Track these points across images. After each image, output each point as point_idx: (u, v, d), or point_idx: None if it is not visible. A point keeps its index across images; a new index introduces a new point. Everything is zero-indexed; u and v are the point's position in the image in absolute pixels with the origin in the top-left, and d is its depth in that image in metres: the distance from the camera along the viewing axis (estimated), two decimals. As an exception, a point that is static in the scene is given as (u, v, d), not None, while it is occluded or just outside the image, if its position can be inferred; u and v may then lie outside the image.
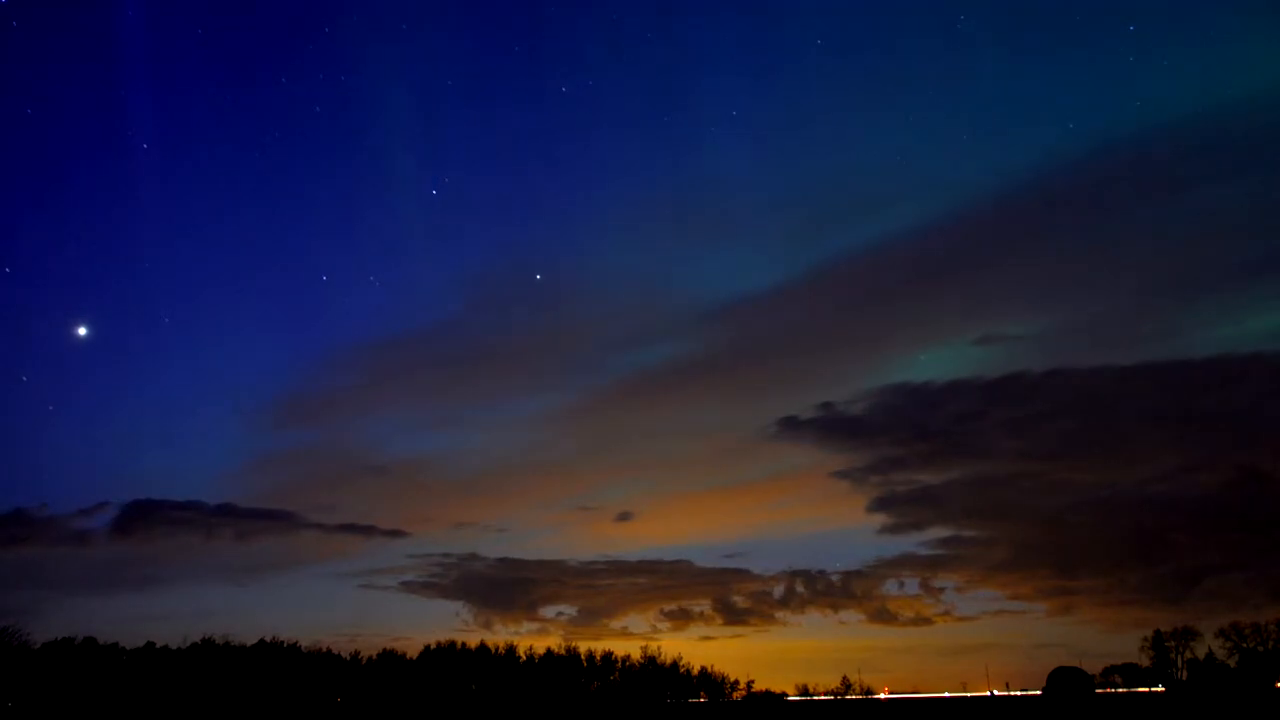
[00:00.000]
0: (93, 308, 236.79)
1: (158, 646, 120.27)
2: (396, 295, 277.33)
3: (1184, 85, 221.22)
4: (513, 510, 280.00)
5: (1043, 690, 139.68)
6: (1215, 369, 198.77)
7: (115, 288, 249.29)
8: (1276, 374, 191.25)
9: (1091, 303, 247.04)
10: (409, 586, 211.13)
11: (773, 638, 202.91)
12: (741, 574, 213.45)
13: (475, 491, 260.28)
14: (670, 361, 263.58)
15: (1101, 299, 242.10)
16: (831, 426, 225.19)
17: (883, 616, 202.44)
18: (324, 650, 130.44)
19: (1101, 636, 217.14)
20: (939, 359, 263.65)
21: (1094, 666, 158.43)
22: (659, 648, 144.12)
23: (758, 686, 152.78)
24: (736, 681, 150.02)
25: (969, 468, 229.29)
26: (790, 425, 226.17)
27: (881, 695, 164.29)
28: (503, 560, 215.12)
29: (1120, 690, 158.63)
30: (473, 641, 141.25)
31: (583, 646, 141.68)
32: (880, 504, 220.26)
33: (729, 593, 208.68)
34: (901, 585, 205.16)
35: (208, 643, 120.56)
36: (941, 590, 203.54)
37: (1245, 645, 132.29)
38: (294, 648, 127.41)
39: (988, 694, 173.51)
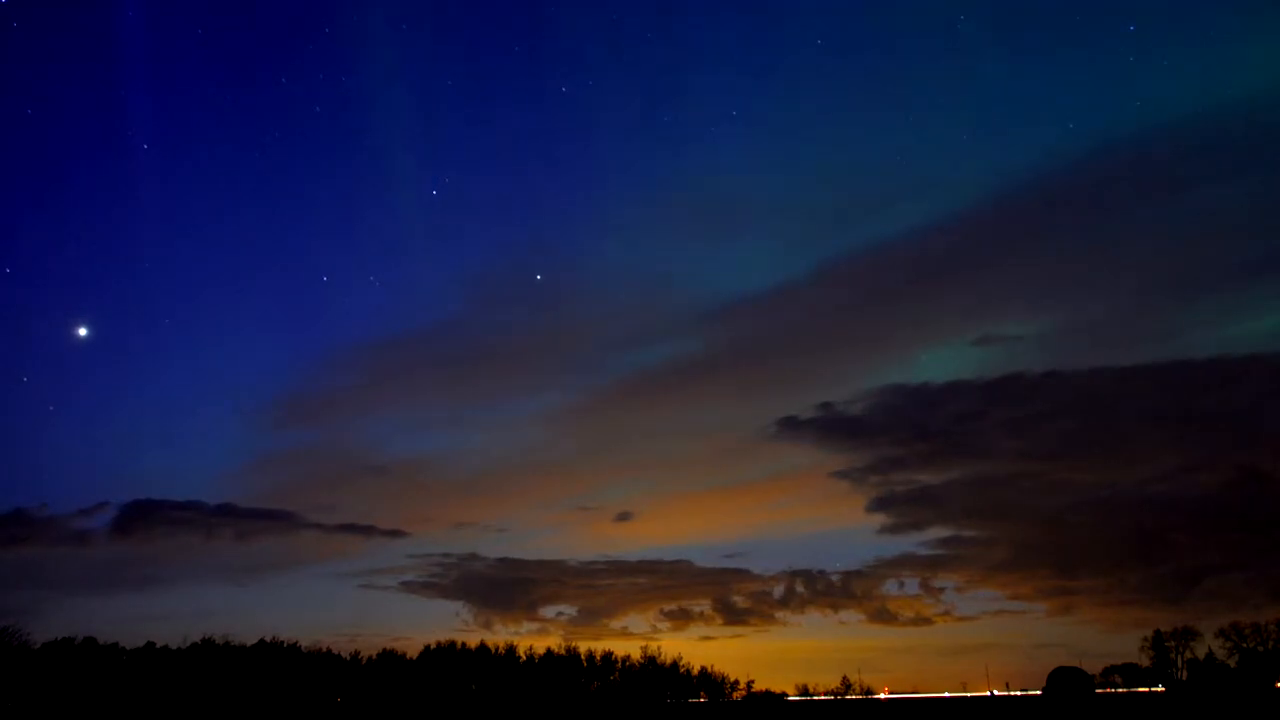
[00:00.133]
0: (93, 308, 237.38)
1: (158, 646, 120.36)
2: (396, 295, 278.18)
3: (1184, 85, 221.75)
4: (513, 510, 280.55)
5: (1043, 690, 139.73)
6: (1215, 369, 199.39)
7: (115, 288, 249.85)
8: (1276, 374, 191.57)
9: (1091, 303, 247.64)
10: (409, 586, 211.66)
11: (773, 638, 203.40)
12: (741, 574, 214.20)
13: (475, 491, 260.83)
14: (670, 361, 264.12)
15: (1101, 299, 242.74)
16: (831, 426, 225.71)
17: (883, 616, 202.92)
18: (324, 650, 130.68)
19: (1101, 636, 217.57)
20: (939, 359, 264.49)
21: (1094, 666, 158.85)
22: (659, 648, 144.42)
23: (758, 686, 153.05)
24: (736, 681, 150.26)
25: (969, 468, 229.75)
26: (790, 425, 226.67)
27: (881, 695, 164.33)
28: (503, 560, 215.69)
29: (1120, 690, 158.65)
30: (473, 641, 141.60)
31: (583, 646, 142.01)
32: (880, 504, 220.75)
33: (729, 593, 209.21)
34: (901, 585, 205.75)
35: (208, 643, 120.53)
36: (941, 590, 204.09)
37: (1245, 645, 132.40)
38: (294, 648, 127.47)
39: (988, 694, 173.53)
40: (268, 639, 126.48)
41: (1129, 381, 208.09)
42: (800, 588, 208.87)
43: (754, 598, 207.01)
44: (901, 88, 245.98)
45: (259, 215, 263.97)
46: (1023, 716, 71.75)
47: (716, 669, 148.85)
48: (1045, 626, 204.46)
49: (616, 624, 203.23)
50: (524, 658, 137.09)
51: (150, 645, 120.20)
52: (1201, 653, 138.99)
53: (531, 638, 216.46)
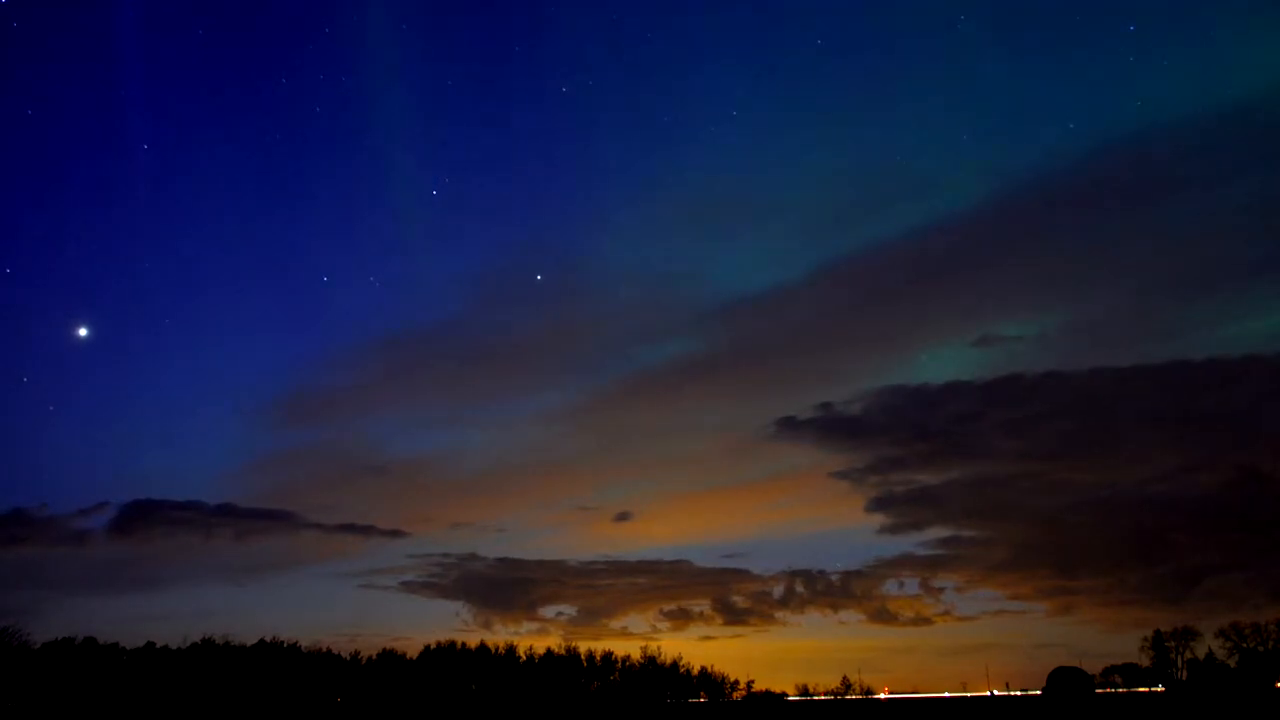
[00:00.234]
0: (93, 308, 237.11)
1: (158, 646, 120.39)
2: (397, 295, 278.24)
3: (1184, 85, 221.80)
4: (512, 510, 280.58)
5: (1043, 690, 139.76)
6: (1214, 369, 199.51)
7: (115, 288, 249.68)
8: (1275, 374, 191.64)
9: (1091, 303, 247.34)
10: (409, 586, 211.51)
11: (773, 638, 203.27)
12: (741, 574, 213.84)
13: (475, 491, 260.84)
14: (670, 361, 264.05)
15: (1101, 299, 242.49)
16: (830, 426, 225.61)
17: (883, 616, 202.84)
18: (324, 650, 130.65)
19: (1101, 636, 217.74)
20: (938, 359, 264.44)
21: (1094, 666, 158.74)
22: (659, 648, 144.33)
23: (758, 686, 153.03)
24: (736, 681, 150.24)
25: (968, 468, 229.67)
26: (789, 425, 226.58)
27: (881, 695, 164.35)
28: (502, 560, 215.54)
29: (1120, 690, 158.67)
30: (473, 641, 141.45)
31: (583, 646, 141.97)
32: (879, 504, 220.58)
33: (729, 593, 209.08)
34: (901, 585, 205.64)
35: (208, 643, 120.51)
36: (941, 590, 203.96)
37: (1245, 645, 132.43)
38: (294, 648, 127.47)
39: (988, 694, 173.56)
40: (268, 639, 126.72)
41: (1128, 382, 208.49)
42: (800, 588, 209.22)
43: (754, 598, 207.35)
44: (901, 88, 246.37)
45: (259, 215, 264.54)
46: (1023, 716, 71.77)
47: (716, 669, 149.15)
48: (1045, 626, 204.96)
49: (616, 624, 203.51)
50: (524, 658, 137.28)
51: (150, 645, 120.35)
52: (1201, 653, 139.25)
53: (531, 638, 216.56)
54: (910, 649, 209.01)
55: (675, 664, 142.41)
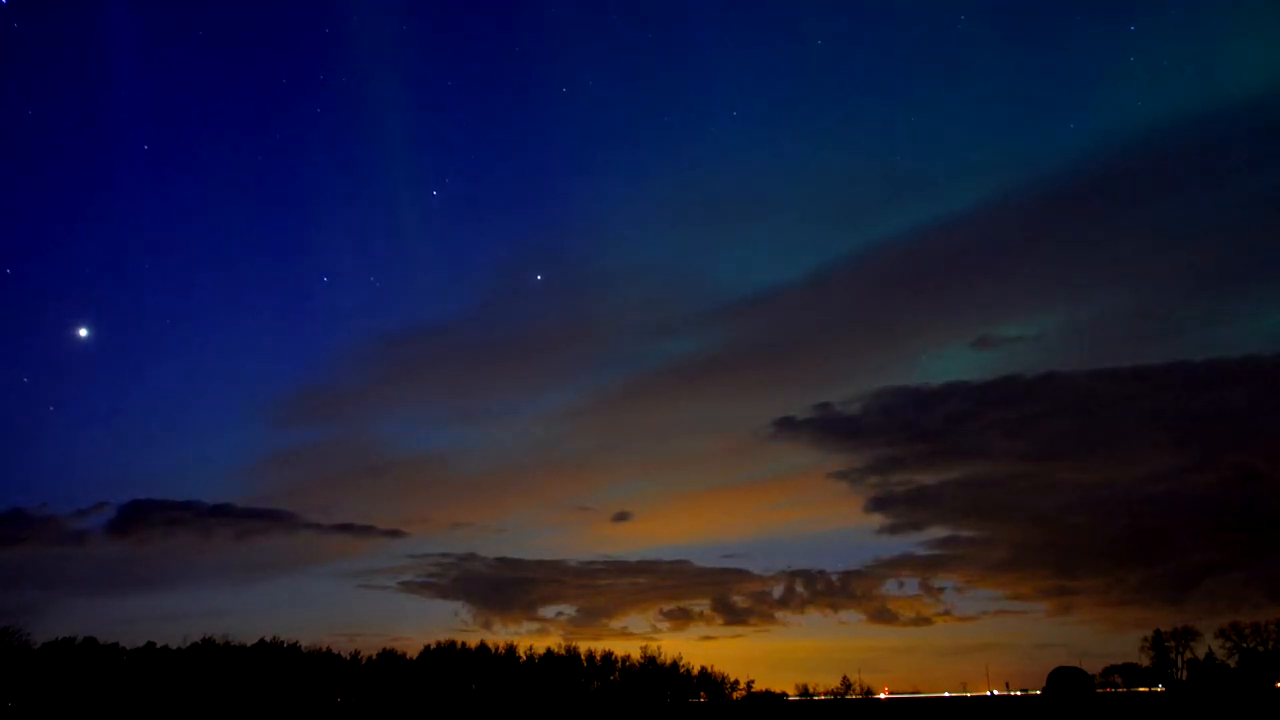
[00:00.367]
0: (93, 308, 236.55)
1: (158, 646, 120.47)
2: (397, 296, 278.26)
3: (1184, 85, 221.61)
4: (512, 510, 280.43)
5: (1043, 690, 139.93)
6: (1213, 370, 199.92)
7: (115, 288, 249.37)
8: (1273, 375, 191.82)
9: (1090, 304, 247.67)
10: (408, 586, 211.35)
11: (773, 638, 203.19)
12: (741, 574, 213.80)
13: (475, 491, 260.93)
14: (669, 362, 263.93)
15: (1100, 300, 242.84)
16: (829, 427, 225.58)
17: (883, 616, 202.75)
18: (324, 650, 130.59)
19: (1101, 636, 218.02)
20: (937, 360, 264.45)
21: (1094, 666, 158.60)
22: (659, 648, 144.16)
23: (758, 686, 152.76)
24: (736, 681, 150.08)
25: (967, 468, 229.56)
26: (788, 425, 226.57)
27: (881, 695, 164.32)
28: (502, 560, 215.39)
29: (1120, 690, 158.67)
30: (473, 641, 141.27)
31: (583, 646, 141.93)
32: (878, 504, 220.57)
33: (729, 593, 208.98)
34: (901, 585, 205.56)
35: (208, 643, 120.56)
36: (941, 590, 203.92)
37: (1245, 645, 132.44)
38: (294, 648, 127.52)
39: (988, 694, 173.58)
40: (268, 639, 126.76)
41: (1127, 383, 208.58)
42: (800, 588, 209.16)
43: (754, 598, 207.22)
44: (901, 88, 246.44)
45: (259, 216, 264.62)
46: (1023, 716, 71.80)
47: (716, 669, 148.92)
48: (1045, 626, 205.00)
49: (616, 624, 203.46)
50: (524, 658, 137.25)
51: (150, 645, 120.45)
52: (1201, 653, 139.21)
53: (531, 638, 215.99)
54: (910, 649, 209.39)
55: (675, 664, 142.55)
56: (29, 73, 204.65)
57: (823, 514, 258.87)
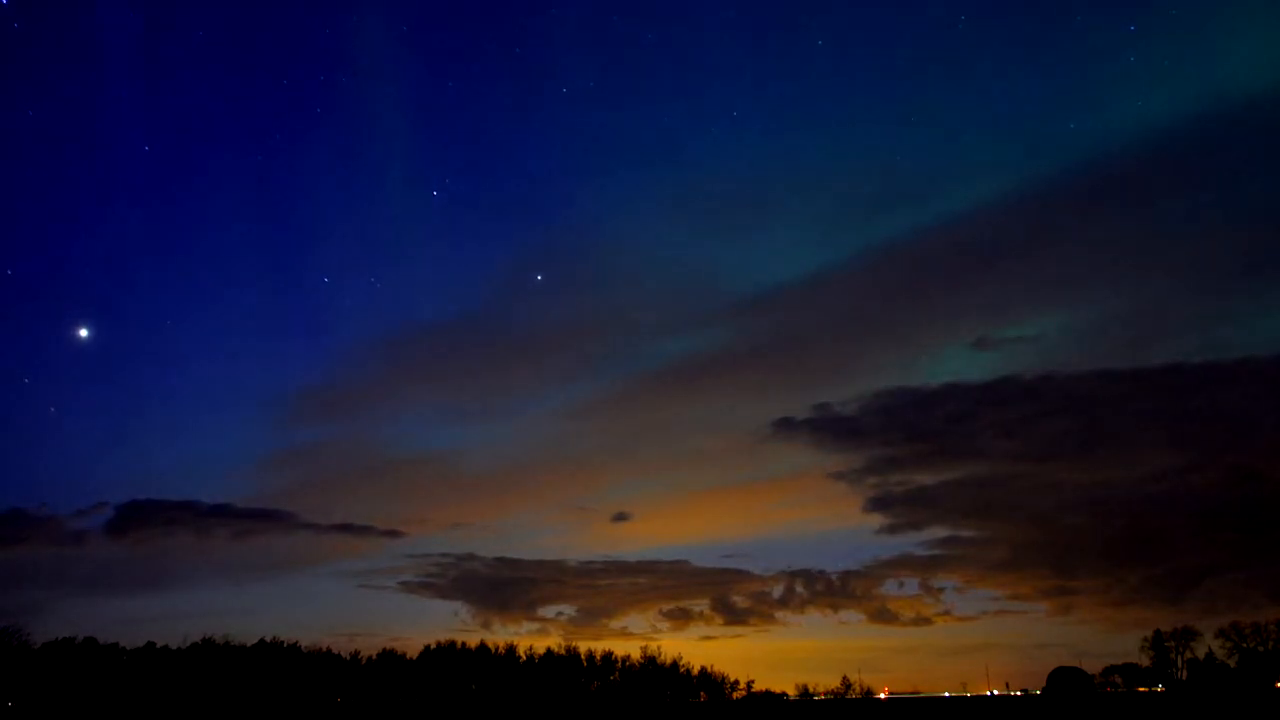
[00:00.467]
0: (93, 308, 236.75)
1: (158, 646, 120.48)
2: (397, 297, 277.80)
3: (1184, 85, 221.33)
4: (512, 510, 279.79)
5: (1042, 690, 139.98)
6: (1211, 372, 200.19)
7: (115, 288, 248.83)
8: (1271, 376, 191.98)
9: (1089, 305, 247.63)
10: (408, 586, 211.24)
11: (773, 638, 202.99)
12: (741, 574, 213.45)
13: (474, 491, 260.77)
14: (669, 362, 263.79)
15: (1099, 301, 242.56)
16: (827, 427, 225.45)
17: (883, 616, 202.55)
18: (324, 650, 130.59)
19: (1101, 636, 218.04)
20: (936, 361, 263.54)
21: (1094, 666, 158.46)
22: (659, 648, 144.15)
23: (758, 686, 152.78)
24: (736, 681, 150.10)
25: (967, 468, 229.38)
26: (786, 426, 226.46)
27: (882, 695, 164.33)
28: (501, 560, 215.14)
29: (1120, 689, 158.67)
30: (472, 641, 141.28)
31: (583, 646, 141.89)
32: (877, 504, 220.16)
33: (729, 593, 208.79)
34: (901, 585, 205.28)
35: (208, 643, 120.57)
36: (941, 590, 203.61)
37: (1245, 645, 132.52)
38: (294, 648, 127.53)
39: (988, 694, 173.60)
40: (267, 639, 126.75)
41: (1125, 383, 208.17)
42: (800, 588, 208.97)
43: (754, 598, 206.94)
44: (901, 88, 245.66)
45: (259, 216, 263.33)
46: (1023, 716, 71.83)
47: (716, 669, 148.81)
48: (1045, 626, 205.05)
49: (616, 624, 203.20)
50: (524, 658, 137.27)
51: (150, 645, 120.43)
52: (1201, 653, 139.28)
53: (531, 638, 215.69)
54: (910, 649, 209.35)
55: (675, 664, 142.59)
56: (29, 73, 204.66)
57: (822, 514, 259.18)
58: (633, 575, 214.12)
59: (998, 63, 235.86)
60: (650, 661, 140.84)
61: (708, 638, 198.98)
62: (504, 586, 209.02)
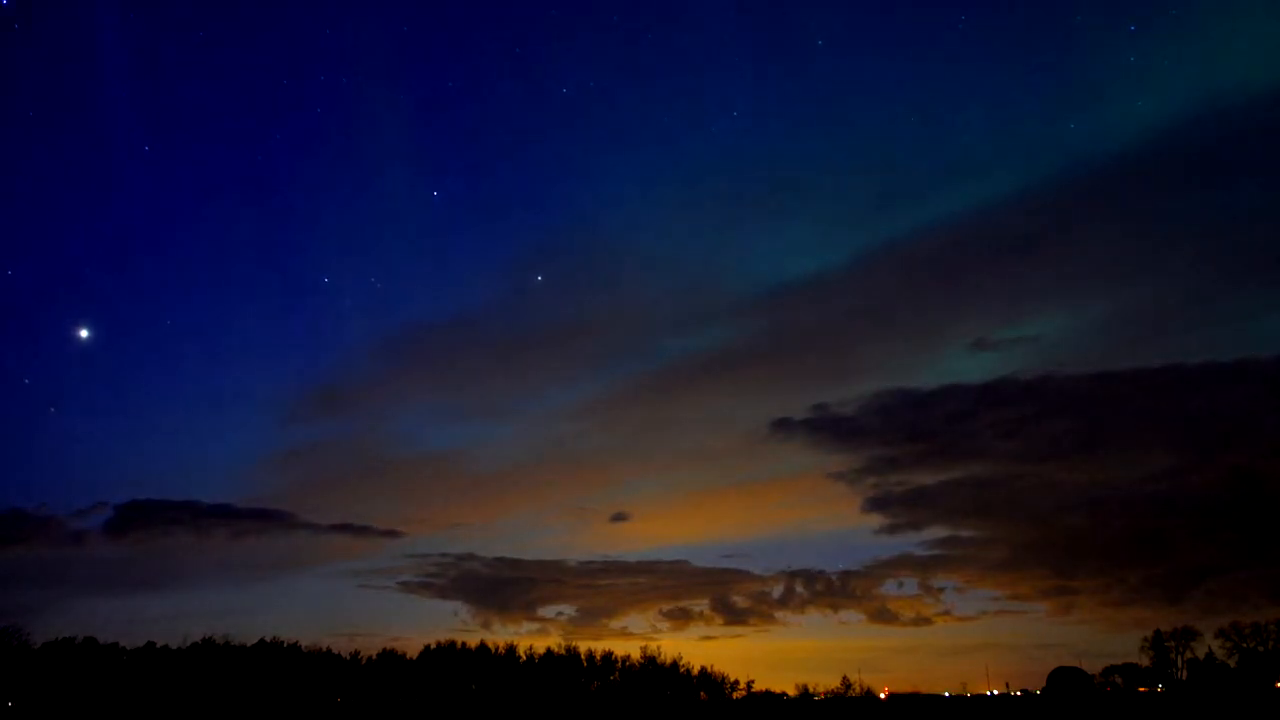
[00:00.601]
0: (93, 308, 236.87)
1: (158, 646, 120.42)
2: (397, 296, 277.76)
3: (1184, 85, 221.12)
4: (512, 510, 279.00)
5: (1042, 690, 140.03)
6: (1209, 372, 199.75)
7: (115, 288, 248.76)
8: (1269, 377, 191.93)
9: (1088, 305, 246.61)
10: (407, 586, 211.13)
11: (773, 638, 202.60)
12: (741, 574, 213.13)
13: (474, 491, 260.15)
14: (668, 362, 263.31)
15: (1098, 302, 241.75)
16: (826, 427, 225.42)
17: (883, 616, 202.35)
18: (324, 650, 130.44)
19: (1101, 636, 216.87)
20: (935, 361, 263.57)
21: (1094, 666, 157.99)
22: (659, 648, 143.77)
23: (758, 686, 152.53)
24: (736, 682, 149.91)
25: (966, 469, 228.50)
26: (784, 426, 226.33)
27: (882, 695, 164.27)
28: (501, 560, 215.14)
29: (1120, 686, 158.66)
30: (472, 641, 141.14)
31: (582, 646, 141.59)
32: (876, 504, 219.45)
33: (729, 593, 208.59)
34: (900, 585, 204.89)
35: (208, 643, 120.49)
36: (941, 590, 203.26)
37: (1245, 645, 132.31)
38: (294, 648, 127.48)
39: (988, 694, 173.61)
40: (267, 639, 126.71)
41: (1125, 384, 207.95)
42: (800, 588, 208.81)
43: (754, 598, 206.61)
44: (900, 89, 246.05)
45: (259, 216, 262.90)
46: (1023, 716, 71.84)
47: (716, 669, 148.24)
48: (1045, 626, 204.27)
49: (616, 624, 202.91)
50: (524, 658, 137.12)
51: (150, 645, 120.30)
52: (1201, 653, 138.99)
53: (531, 638, 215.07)
54: (910, 649, 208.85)
55: (675, 664, 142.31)
56: (29, 73, 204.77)
57: (822, 514, 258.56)
58: (633, 575, 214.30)
59: (998, 63, 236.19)
60: (650, 661, 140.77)
61: (708, 638, 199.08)
62: (504, 586, 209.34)
